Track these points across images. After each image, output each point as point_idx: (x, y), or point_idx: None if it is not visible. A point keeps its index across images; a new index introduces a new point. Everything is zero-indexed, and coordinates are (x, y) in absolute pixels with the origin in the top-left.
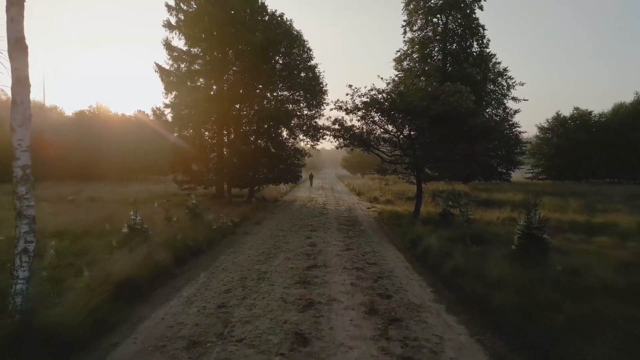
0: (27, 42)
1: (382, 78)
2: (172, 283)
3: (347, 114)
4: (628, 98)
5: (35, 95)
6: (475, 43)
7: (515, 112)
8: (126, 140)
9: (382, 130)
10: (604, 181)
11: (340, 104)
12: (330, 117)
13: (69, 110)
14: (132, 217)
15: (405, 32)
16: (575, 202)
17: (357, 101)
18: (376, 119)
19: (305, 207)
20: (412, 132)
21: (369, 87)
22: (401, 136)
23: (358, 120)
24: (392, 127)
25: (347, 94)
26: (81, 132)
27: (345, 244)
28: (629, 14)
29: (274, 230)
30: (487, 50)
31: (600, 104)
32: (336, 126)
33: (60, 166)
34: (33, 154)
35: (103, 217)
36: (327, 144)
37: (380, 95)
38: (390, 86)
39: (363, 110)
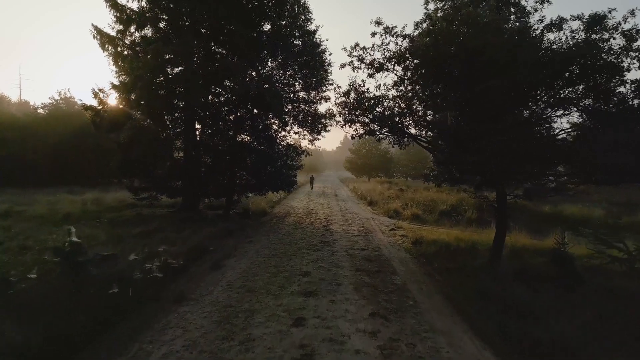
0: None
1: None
2: None
3: (370, 75)
4: None
5: (12, 91)
6: (513, 16)
7: None
8: (97, 137)
9: (438, 98)
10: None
11: (359, 55)
12: (339, 87)
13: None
14: None
15: (427, 2)
16: None
17: (393, 47)
18: (429, 81)
19: (300, 228)
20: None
21: (416, 20)
22: (482, 110)
23: (389, 88)
24: (464, 95)
25: (373, 34)
26: (48, 129)
27: (381, 349)
28: None
29: (235, 290)
30: (529, 23)
31: None
32: (350, 99)
33: (23, 169)
34: None
35: None
36: (329, 143)
37: (441, 27)
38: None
39: (406, 63)
